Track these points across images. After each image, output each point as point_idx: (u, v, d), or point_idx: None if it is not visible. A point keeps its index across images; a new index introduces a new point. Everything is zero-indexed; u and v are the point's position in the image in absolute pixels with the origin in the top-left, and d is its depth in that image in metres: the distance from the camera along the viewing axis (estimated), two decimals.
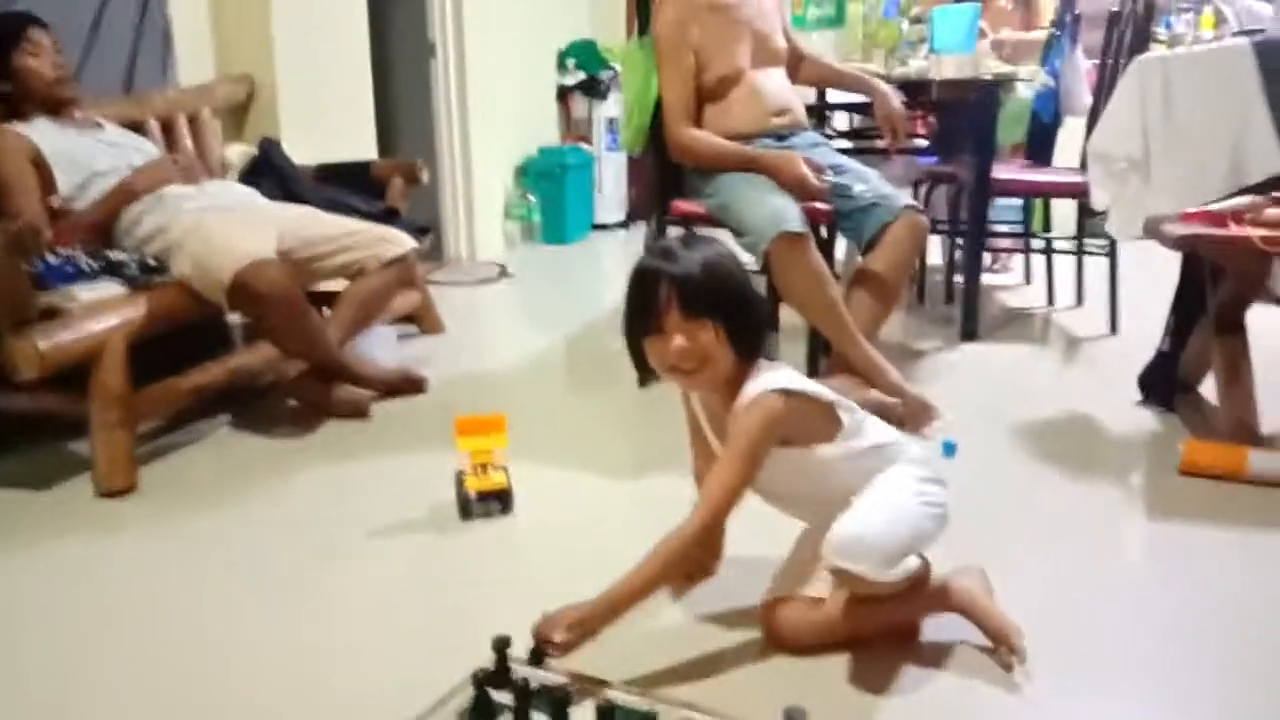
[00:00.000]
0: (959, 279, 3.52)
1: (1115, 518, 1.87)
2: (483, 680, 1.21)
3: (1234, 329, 2.17)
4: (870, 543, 1.28)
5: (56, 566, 1.70)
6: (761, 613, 1.39)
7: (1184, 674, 1.33)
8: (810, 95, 3.49)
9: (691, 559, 1.37)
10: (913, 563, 1.32)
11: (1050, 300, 3.62)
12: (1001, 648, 1.34)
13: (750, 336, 1.35)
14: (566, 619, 1.26)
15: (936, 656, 1.36)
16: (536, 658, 1.26)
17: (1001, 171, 3.21)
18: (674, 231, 2.67)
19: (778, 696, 1.16)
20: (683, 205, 2.57)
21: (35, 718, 1.27)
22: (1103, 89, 3.10)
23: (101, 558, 1.74)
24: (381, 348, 2.82)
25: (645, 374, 1.41)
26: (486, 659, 1.26)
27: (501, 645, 1.26)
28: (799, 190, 2.39)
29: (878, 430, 1.43)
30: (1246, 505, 1.88)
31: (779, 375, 1.36)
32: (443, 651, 1.38)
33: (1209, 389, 2.28)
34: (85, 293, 2.05)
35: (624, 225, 5.57)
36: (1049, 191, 3.54)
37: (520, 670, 1.25)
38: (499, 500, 1.86)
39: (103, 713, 1.28)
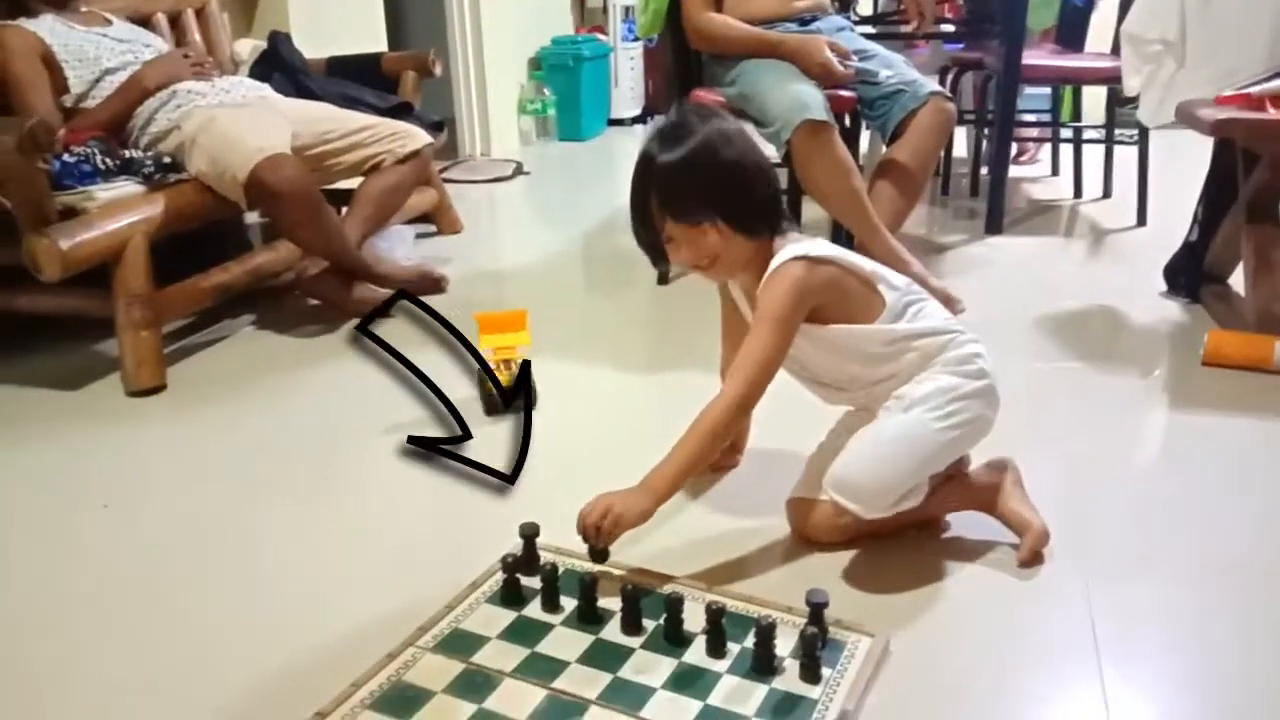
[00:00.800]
0: (984, 171, 3.46)
1: (1137, 408, 1.86)
2: (512, 566, 1.24)
3: (1267, 217, 2.13)
4: (864, 486, 1.27)
5: (85, 461, 1.73)
6: (788, 509, 1.40)
7: (1202, 563, 1.34)
8: None
9: (725, 439, 1.33)
10: (912, 499, 1.30)
11: (1078, 192, 3.56)
12: (1022, 549, 1.33)
13: (757, 216, 1.30)
14: (600, 508, 1.22)
15: (961, 550, 1.37)
16: (598, 556, 1.24)
17: (1031, 57, 3.11)
18: None
19: (802, 584, 1.18)
20: (703, 95, 2.51)
21: (58, 604, 1.31)
22: None
23: (129, 452, 1.77)
24: (400, 246, 2.80)
25: (661, 264, 1.40)
26: (514, 547, 1.30)
27: (530, 532, 1.29)
28: (823, 76, 2.32)
29: (928, 314, 1.35)
30: (1271, 396, 1.87)
31: (805, 244, 1.31)
32: (471, 540, 1.41)
33: (1237, 280, 2.25)
34: (102, 191, 2.04)
35: (641, 120, 5.46)
36: (1080, 78, 3.44)
37: (548, 556, 1.28)
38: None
39: (130, 598, 1.32)
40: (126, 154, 2.19)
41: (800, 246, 1.30)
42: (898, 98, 2.37)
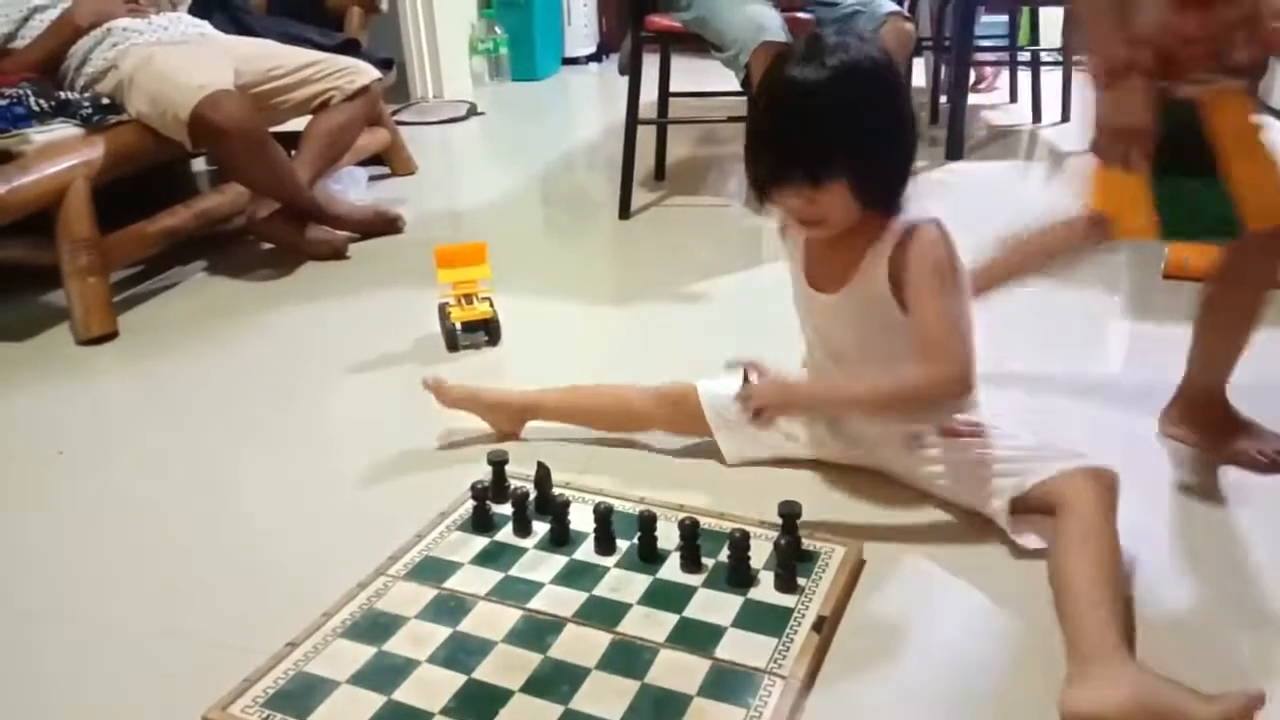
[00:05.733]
0: (944, 98, 3.44)
1: (1100, 323, 1.88)
2: (481, 493, 1.22)
3: None
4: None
5: (38, 410, 1.68)
6: None
7: (1170, 470, 1.36)
8: None
9: (894, 409, 1.23)
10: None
11: (1036, 117, 3.55)
12: None
13: (887, 188, 1.16)
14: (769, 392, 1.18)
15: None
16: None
17: None
18: (649, 52, 2.58)
19: (774, 500, 1.18)
20: (658, 20, 2.45)
21: (18, 552, 1.28)
22: None
23: (84, 400, 1.72)
24: (353, 188, 2.74)
25: (765, 203, 1.20)
26: (484, 475, 1.28)
27: (499, 458, 1.28)
28: None
29: None
30: None
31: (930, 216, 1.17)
32: (439, 473, 1.39)
33: None
34: (39, 134, 1.96)
35: (596, 59, 5.37)
36: (1037, 0, 3.42)
37: (518, 483, 1.26)
38: (485, 330, 1.84)
39: (92, 540, 1.29)
40: (62, 95, 2.10)
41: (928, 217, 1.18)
42: (856, 18, 2.34)
